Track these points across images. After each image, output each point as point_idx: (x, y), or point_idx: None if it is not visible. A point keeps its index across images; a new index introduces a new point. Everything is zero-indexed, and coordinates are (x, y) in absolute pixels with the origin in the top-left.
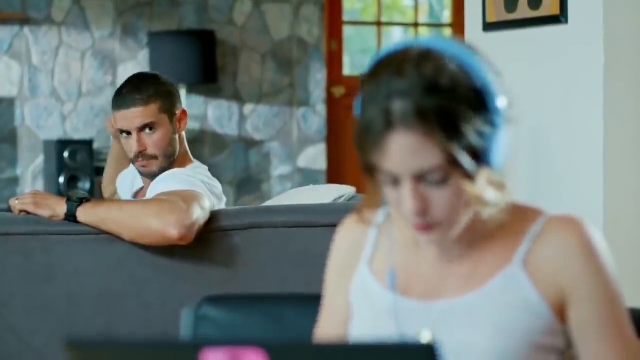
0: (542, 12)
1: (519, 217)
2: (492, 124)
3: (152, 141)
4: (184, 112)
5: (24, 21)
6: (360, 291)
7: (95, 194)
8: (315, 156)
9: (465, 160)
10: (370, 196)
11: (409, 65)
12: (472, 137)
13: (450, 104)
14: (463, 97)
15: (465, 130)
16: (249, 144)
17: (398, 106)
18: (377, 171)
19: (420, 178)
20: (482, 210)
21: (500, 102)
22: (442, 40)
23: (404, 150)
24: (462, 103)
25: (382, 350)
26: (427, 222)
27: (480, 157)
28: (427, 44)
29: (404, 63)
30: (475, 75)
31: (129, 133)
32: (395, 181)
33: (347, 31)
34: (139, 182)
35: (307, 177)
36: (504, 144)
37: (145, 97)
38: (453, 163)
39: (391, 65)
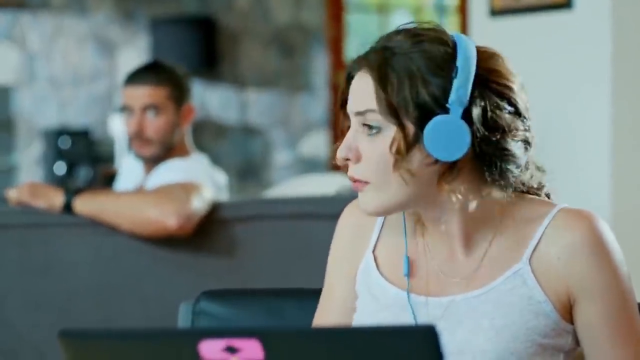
0: None
1: (531, 211)
2: (445, 107)
3: (153, 125)
4: (191, 108)
5: (21, 6)
6: (364, 279)
7: (95, 183)
8: (317, 142)
9: (400, 114)
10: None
11: (402, 29)
12: (412, 98)
13: (406, 58)
14: (426, 60)
15: (405, 86)
16: (250, 130)
17: (368, 53)
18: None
19: (360, 123)
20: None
21: (464, 95)
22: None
23: (354, 90)
24: (419, 64)
25: (381, 334)
26: (355, 176)
27: (419, 135)
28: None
29: (400, 29)
30: (460, 53)
31: (132, 111)
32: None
33: (350, 17)
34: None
35: (308, 164)
36: (451, 137)
37: (157, 79)
38: (388, 111)
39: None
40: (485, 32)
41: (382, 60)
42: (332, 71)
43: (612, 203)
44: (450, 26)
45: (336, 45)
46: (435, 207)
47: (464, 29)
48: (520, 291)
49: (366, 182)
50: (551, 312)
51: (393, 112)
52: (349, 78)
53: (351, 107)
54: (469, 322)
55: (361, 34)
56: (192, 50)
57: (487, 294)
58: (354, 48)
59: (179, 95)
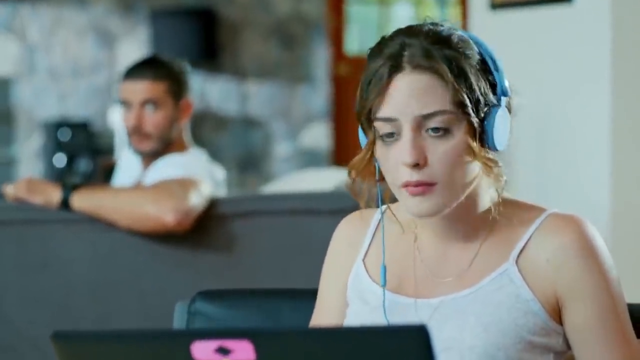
0: None
1: (521, 214)
2: (497, 97)
3: (151, 120)
4: (189, 103)
5: None
6: (354, 285)
7: (94, 175)
8: (318, 134)
9: (471, 109)
10: (363, 163)
11: (420, 28)
12: (478, 94)
13: (459, 55)
14: (472, 58)
15: (472, 82)
16: (251, 122)
17: (407, 52)
18: (376, 125)
19: (421, 127)
20: (482, 192)
21: (506, 83)
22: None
23: (409, 92)
24: (471, 61)
25: (372, 334)
26: (422, 180)
27: (482, 128)
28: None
29: (415, 27)
30: (484, 50)
31: (130, 106)
32: (393, 136)
33: (351, 8)
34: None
35: (309, 156)
36: (504, 127)
37: (156, 74)
38: (459, 110)
39: (401, 31)
40: (485, 25)
41: (445, 58)
42: (332, 62)
43: (612, 198)
44: (451, 18)
45: (337, 37)
46: (472, 199)
47: (464, 21)
48: (508, 290)
49: (433, 184)
50: (539, 311)
51: (467, 110)
52: (385, 80)
53: (411, 110)
54: (456, 319)
55: (362, 25)
56: (192, 42)
57: (476, 293)
58: (354, 39)
59: (178, 89)
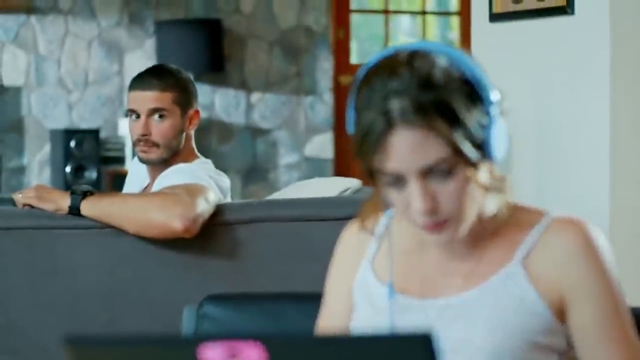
0: (549, 3)
1: (523, 217)
2: (489, 114)
3: (158, 129)
4: (196, 112)
5: (31, 10)
6: (361, 289)
7: (101, 183)
8: (322, 145)
9: (469, 148)
10: (373, 203)
11: (400, 65)
12: (472, 127)
13: (446, 96)
14: (458, 89)
15: (464, 120)
16: (256, 132)
17: (395, 105)
18: (380, 175)
19: (425, 174)
20: (487, 203)
21: (494, 94)
22: (428, 42)
23: (407, 148)
24: (458, 94)
25: (379, 341)
26: (436, 221)
27: (481, 148)
28: (414, 46)
29: (395, 64)
30: (466, 68)
31: (138, 116)
32: (400, 183)
33: (355, 19)
34: (146, 176)
35: (314, 166)
36: (501, 136)
37: (163, 84)
38: (457, 153)
39: (382, 68)
40: (485, 37)
41: (434, 106)
42: (336, 73)
43: (611, 203)
44: (452, 30)
45: (341, 48)
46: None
47: (465, 33)
48: (514, 292)
49: (447, 221)
50: (545, 312)
51: (465, 151)
52: (382, 136)
53: (412, 163)
54: (463, 321)
55: (366, 36)
56: (199, 53)
57: (482, 294)
58: (358, 51)
59: (185, 99)
